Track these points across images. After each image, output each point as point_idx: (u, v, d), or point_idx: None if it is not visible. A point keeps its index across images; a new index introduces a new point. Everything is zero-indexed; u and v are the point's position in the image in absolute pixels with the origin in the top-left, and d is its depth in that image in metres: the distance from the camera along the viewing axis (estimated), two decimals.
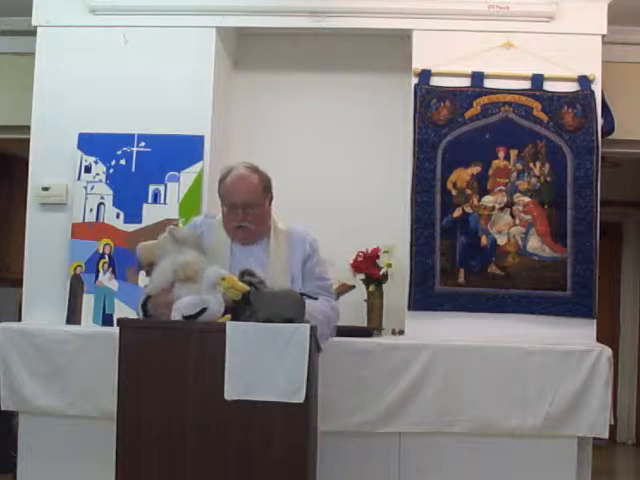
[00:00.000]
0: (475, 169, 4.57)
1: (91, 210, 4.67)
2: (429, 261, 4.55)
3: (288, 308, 3.10)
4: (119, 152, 4.69)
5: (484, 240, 4.54)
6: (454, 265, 4.54)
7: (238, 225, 3.46)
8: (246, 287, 3.12)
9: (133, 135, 4.70)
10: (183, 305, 3.11)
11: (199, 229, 3.54)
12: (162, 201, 4.67)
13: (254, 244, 3.52)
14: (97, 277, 4.62)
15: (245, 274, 3.21)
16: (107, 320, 4.56)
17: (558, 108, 4.56)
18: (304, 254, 3.54)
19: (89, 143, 4.70)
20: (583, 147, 4.54)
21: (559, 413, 4.12)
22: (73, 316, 4.58)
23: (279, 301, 3.12)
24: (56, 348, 4.29)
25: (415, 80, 4.64)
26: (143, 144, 4.69)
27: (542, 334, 4.39)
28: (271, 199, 3.57)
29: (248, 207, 3.45)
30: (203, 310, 3.07)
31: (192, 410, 3.02)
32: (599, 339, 4.48)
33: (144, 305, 3.34)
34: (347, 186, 4.94)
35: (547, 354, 4.17)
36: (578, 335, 4.42)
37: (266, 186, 3.52)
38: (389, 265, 4.64)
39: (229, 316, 3.13)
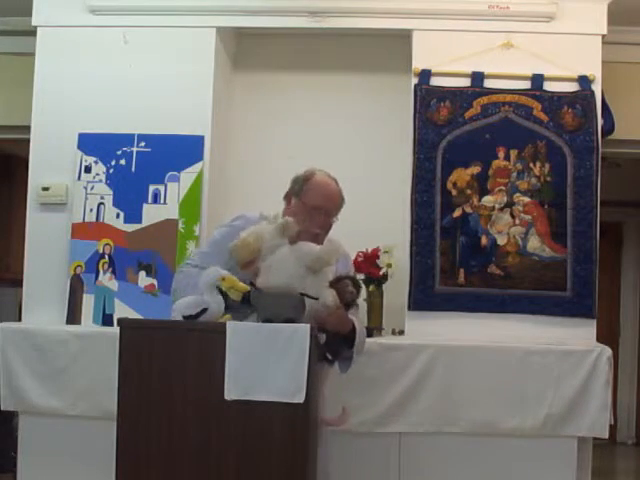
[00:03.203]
0: (475, 169, 4.58)
1: (91, 210, 4.67)
2: (429, 261, 4.55)
3: (288, 308, 3.10)
4: (119, 152, 4.69)
5: (484, 240, 4.54)
6: (454, 265, 4.54)
7: (312, 231, 3.32)
8: (246, 287, 3.12)
9: (133, 135, 4.70)
10: (183, 305, 3.11)
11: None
12: (162, 201, 4.67)
13: None
14: (97, 277, 4.62)
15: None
16: (107, 320, 4.56)
17: (558, 108, 4.57)
18: (346, 268, 3.49)
19: (89, 143, 4.70)
20: (583, 147, 4.54)
21: (559, 413, 4.12)
22: (73, 316, 4.58)
23: (279, 301, 3.12)
24: (56, 348, 4.30)
25: (415, 80, 4.65)
26: (143, 144, 4.70)
27: (542, 334, 4.39)
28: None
29: (329, 215, 3.39)
30: (203, 310, 3.07)
31: (192, 410, 3.02)
32: (599, 339, 4.48)
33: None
34: (347, 186, 4.86)
35: (547, 354, 4.17)
36: (578, 335, 4.42)
37: (342, 200, 3.48)
38: (389, 265, 4.64)
39: (229, 316, 3.13)
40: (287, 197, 3.49)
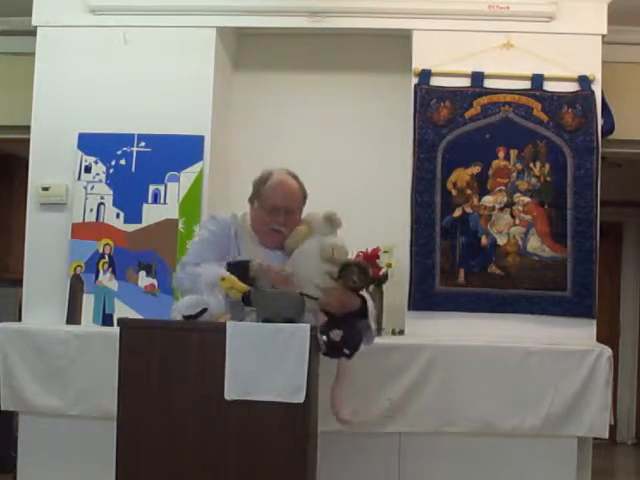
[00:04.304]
0: (475, 169, 4.58)
1: (91, 210, 4.67)
2: (429, 261, 4.55)
3: (288, 308, 3.11)
4: (119, 152, 4.69)
5: (484, 240, 4.55)
6: (454, 265, 4.54)
7: (275, 228, 3.43)
8: (246, 287, 3.12)
9: (133, 135, 4.70)
10: (183, 305, 3.10)
11: (232, 229, 3.51)
12: (162, 201, 4.67)
13: (280, 250, 3.49)
14: (97, 277, 4.62)
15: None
16: (107, 320, 4.56)
17: (558, 108, 4.57)
18: None
19: (89, 143, 4.70)
20: (583, 147, 4.55)
21: (559, 413, 4.12)
22: (73, 316, 4.58)
23: (279, 301, 3.13)
24: (56, 348, 4.29)
25: (415, 80, 4.65)
26: (143, 144, 4.70)
27: (542, 334, 4.39)
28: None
29: (289, 212, 3.45)
30: (203, 310, 3.07)
31: (192, 410, 3.02)
32: (599, 339, 4.48)
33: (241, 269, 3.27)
34: (347, 186, 4.94)
35: (547, 354, 4.17)
36: (578, 335, 4.43)
37: (305, 195, 3.54)
38: (389, 265, 4.64)
39: (229, 316, 3.13)
40: (250, 201, 3.56)
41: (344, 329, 3.21)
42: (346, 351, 3.26)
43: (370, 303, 3.41)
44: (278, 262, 3.41)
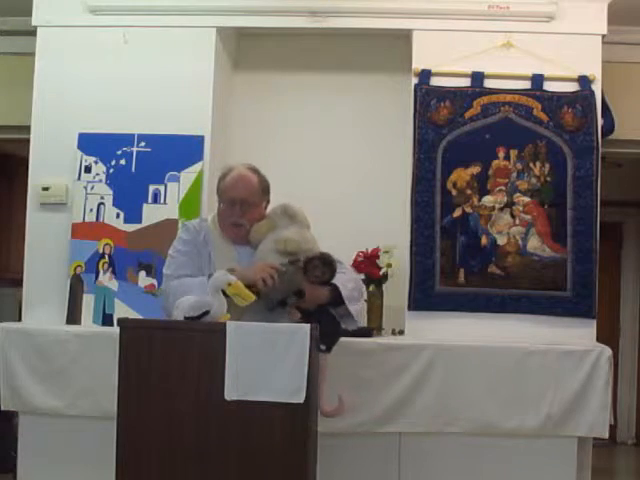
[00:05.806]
0: (475, 169, 4.58)
1: (91, 210, 4.67)
2: (429, 261, 4.55)
3: (289, 286, 3.18)
4: (119, 152, 4.69)
5: (484, 240, 4.55)
6: (454, 265, 4.54)
7: (233, 222, 3.51)
8: (252, 296, 3.13)
9: (133, 135, 4.70)
10: (187, 305, 3.11)
11: (200, 234, 3.56)
12: (162, 201, 4.67)
13: (248, 245, 3.56)
14: (97, 277, 4.62)
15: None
16: (107, 320, 4.56)
17: (558, 108, 4.57)
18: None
19: (89, 143, 4.70)
20: (583, 147, 4.54)
21: (559, 413, 4.11)
22: (73, 316, 4.58)
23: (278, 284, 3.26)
24: (56, 348, 4.28)
25: (415, 80, 4.65)
26: (143, 144, 4.70)
27: (542, 334, 4.39)
28: (267, 202, 3.62)
29: (245, 205, 3.51)
30: (206, 313, 3.07)
31: (192, 410, 3.02)
32: (599, 339, 4.48)
33: None
34: (347, 186, 4.94)
35: (547, 354, 4.16)
36: (578, 335, 4.43)
37: (265, 188, 3.59)
38: (389, 265, 4.64)
39: (229, 315, 3.13)
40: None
41: (319, 324, 3.22)
42: (322, 347, 3.27)
43: (347, 286, 3.48)
44: (247, 257, 3.49)
